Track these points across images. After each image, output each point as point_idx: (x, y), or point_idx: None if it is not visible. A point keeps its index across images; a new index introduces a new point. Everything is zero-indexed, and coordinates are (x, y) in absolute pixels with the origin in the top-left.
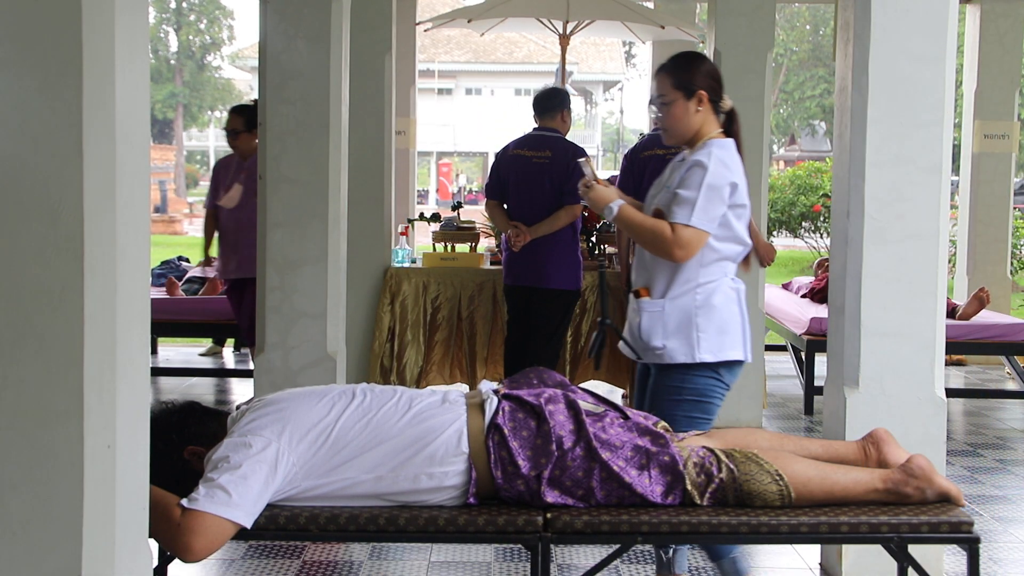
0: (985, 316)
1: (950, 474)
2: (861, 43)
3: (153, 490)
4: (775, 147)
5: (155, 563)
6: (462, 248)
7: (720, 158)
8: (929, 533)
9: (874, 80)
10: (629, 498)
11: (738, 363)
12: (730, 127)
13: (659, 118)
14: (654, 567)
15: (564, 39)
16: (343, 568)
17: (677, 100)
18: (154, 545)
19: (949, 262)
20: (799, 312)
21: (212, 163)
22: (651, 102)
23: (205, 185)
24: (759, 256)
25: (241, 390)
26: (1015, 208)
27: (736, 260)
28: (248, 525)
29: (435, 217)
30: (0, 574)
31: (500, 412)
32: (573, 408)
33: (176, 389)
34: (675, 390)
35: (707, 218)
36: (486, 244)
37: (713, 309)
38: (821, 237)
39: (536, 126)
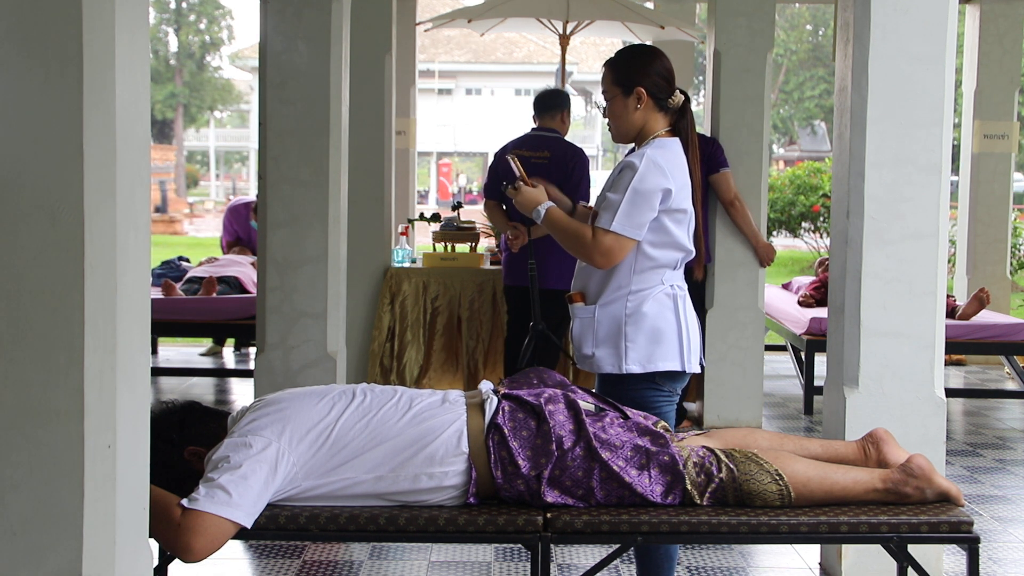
0: (985, 316)
1: (950, 474)
2: (861, 43)
3: (153, 490)
4: (775, 147)
5: (155, 563)
6: (462, 248)
7: (654, 160)
8: (929, 533)
9: (874, 80)
10: (629, 498)
11: (677, 372)
12: (680, 124)
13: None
14: None
15: (564, 39)
16: (343, 568)
17: (616, 97)
18: (154, 545)
19: (949, 262)
20: (799, 312)
21: (212, 163)
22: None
23: (205, 185)
24: (759, 256)
25: (241, 390)
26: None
27: (676, 267)
28: (248, 525)
29: (435, 217)
30: (0, 574)
31: (500, 412)
32: (573, 408)
33: (176, 389)
34: (614, 399)
35: (631, 224)
36: (486, 244)
37: (643, 317)
38: (821, 237)
39: (535, 126)
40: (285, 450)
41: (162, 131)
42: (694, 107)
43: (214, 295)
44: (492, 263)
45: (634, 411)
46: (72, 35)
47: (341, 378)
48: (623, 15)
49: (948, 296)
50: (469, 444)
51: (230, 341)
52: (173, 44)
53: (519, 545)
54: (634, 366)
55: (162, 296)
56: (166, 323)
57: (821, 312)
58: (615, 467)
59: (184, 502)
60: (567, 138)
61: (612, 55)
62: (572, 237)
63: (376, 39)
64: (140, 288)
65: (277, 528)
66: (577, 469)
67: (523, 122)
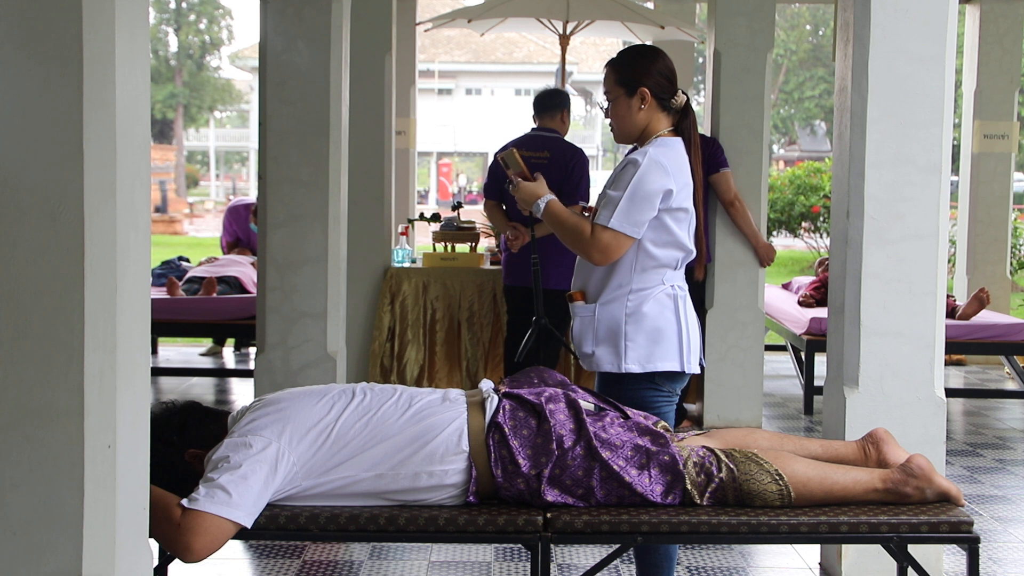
0: (985, 316)
1: (950, 474)
2: (861, 43)
3: (153, 490)
4: (775, 147)
5: (155, 563)
6: (462, 248)
7: (656, 159)
8: (929, 533)
9: (874, 80)
10: (629, 497)
11: (677, 372)
12: (682, 124)
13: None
14: None
15: (564, 39)
16: (343, 568)
17: (619, 97)
18: (154, 545)
19: (949, 262)
20: (799, 312)
21: (212, 163)
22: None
23: (205, 185)
24: (759, 256)
25: (241, 390)
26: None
27: (677, 266)
28: (248, 525)
29: (435, 217)
30: (0, 574)
31: (501, 411)
32: (574, 407)
33: (176, 389)
34: (614, 398)
35: (629, 222)
36: (486, 244)
37: (643, 317)
38: (821, 237)
39: (535, 126)
40: (285, 450)
41: (162, 131)
42: (694, 107)
43: (214, 295)
44: (492, 263)
45: (634, 411)
46: (72, 35)
47: (341, 378)
48: (623, 15)
49: (948, 296)
50: (469, 442)
51: (230, 341)
52: (173, 44)
53: (519, 545)
54: (633, 365)
55: (166, 295)
56: (166, 323)
57: (821, 312)
58: (615, 466)
59: (184, 502)
60: (567, 138)
61: (613, 55)
62: (571, 231)
63: (376, 39)
64: (140, 288)
65: (277, 528)
66: (577, 468)
67: (523, 122)
